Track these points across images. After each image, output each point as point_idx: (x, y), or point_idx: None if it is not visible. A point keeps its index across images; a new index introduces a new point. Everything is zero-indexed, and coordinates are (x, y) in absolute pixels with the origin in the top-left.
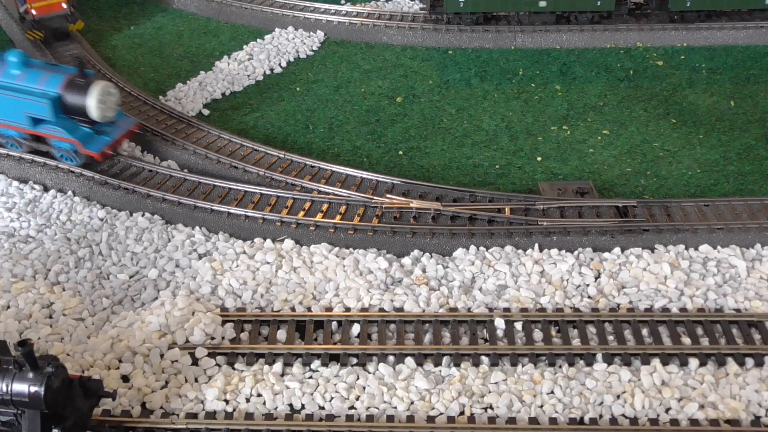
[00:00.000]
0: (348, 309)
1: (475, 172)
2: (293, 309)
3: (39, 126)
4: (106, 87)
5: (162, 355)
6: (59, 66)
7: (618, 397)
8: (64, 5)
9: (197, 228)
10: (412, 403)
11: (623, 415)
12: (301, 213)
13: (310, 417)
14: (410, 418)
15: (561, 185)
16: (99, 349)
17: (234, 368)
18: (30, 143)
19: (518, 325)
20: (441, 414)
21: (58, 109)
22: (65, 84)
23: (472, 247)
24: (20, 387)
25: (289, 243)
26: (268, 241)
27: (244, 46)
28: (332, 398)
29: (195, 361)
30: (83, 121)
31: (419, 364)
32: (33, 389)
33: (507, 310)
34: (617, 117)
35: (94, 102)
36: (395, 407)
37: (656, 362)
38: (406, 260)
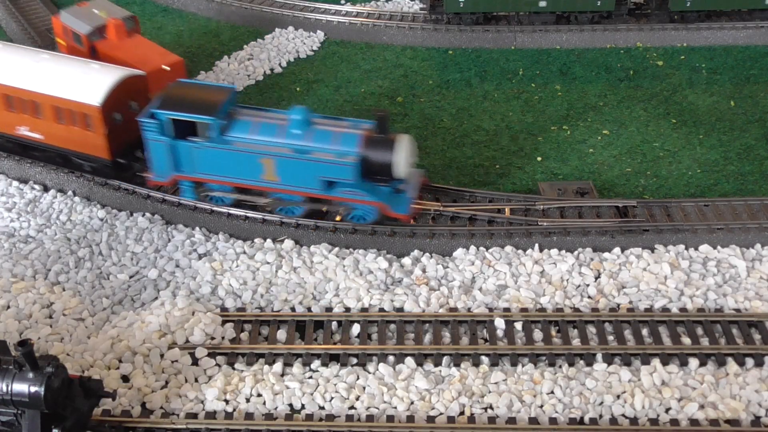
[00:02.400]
0: (348, 309)
1: (475, 172)
2: (293, 309)
3: (333, 190)
4: (410, 140)
5: (162, 355)
6: (343, 119)
7: (618, 397)
8: None
9: (197, 228)
10: (412, 403)
11: (623, 415)
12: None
13: (310, 417)
14: (410, 418)
15: (561, 185)
16: (99, 349)
17: (234, 368)
18: (305, 205)
19: (518, 325)
20: (441, 414)
21: (360, 171)
22: (365, 142)
23: (472, 248)
24: (20, 387)
25: (289, 243)
26: (268, 241)
27: (244, 46)
28: (332, 398)
29: (195, 361)
30: (380, 179)
31: (419, 364)
32: (33, 389)
33: (507, 310)
34: (617, 117)
35: (402, 159)
36: (395, 407)
37: (656, 362)
38: (406, 260)
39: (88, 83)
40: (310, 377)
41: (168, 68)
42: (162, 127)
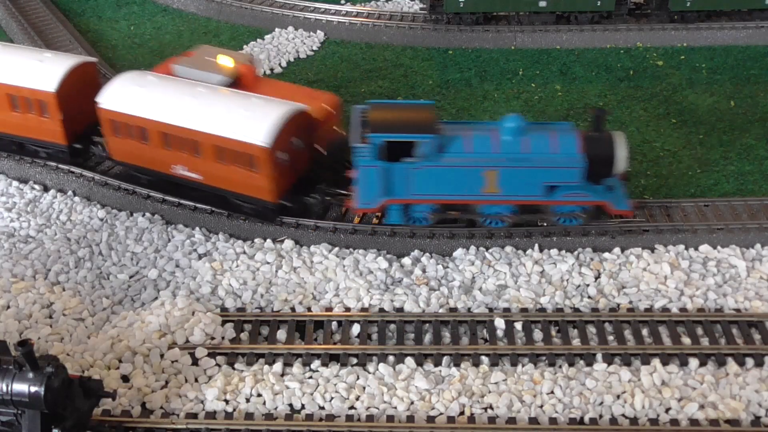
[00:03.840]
0: (348, 309)
1: None
2: (293, 309)
3: (554, 195)
4: (623, 135)
5: (162, 355)
6: (549, 124)
7: (618, 397)
8: None
9: (197, 228)
10: (412, 403)
11: (623, 415)
12: None
13: (310, 417)
14: (410, 418)
15: None
16: (99, 349)
17: (234, 368)
18: (514, 217)
19: (518, 325)
20: (441, 414)
21: (586, 171)
22: (585, 142)
23: (472, 248)
24: (20, 387)
25: (289, 243)
26: (268, 241)
27: (244, 46)
28: (332, 398)
29: (195, 361)
30: (599, 178)
31: (419, 364)
32: (33, 389)
33: (507, 310)
34: (617, 117)
35: (623, 154)
36: (395, 407)
37: (656, 362)
38: (406, 260)
39: (254, 121)
40: (310, 377)
41: (333, 110)
42: (376, 151)
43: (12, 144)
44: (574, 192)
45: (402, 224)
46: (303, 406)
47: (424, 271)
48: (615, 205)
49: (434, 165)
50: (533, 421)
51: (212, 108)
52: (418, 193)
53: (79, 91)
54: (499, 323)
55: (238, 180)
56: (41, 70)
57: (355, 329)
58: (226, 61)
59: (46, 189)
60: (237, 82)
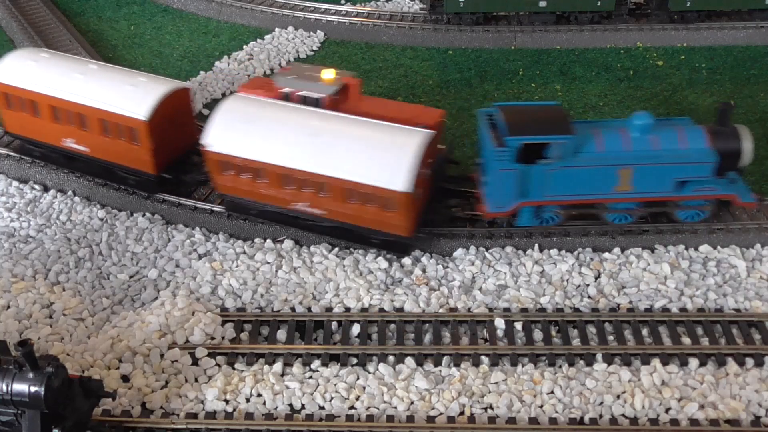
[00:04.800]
0: (348, 309)
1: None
2: (293, 309)
3: (684, 189)
4: (746, 128)
5: (162, 355)
6: (669, 119)
7: (618, 397)
8: None
9: (197, 228)
10: (412, 403)
11: (623, 415)
12: None
13: (310, 417)
14: (410, 418)
15: None
16: (99, 349)
17: (234, 368)
18: (641, 211)
19: (518, 325)
20: (441, 414)
21: (717, 166)
22: (712, 136)
23: (472, 248)
24: (20, 387)
25: (289, 243)
26: (268, 241)
27: (244, 46)
28: (332, 398)
29: (195, 361)
30: (725, 171)
31: (419, 364)
32: (33, 389)
33: (507, 310)
34: (617, 117)
35: (749, 147)
36: (395, 407)
37: (656, 362)
38: (406, 260)
39: (389, 167)
40: (310, 377)
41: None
42: (513, 154)
43: (101, 168)
44: (704, 186)
45: (532, 226)
46: (303, 406)
47: (424, 271)
48: (741, 197)
49: (571, 165)
50: (533, 421)
51: (339, 150)
52: (552, 194)
53: (171, 118)
54: (499, 323)
55: (372, 218)
56: (134, 96)
57: (355, 329)
58: (328, 74)
59: (46, 189)
60: (342, 93)
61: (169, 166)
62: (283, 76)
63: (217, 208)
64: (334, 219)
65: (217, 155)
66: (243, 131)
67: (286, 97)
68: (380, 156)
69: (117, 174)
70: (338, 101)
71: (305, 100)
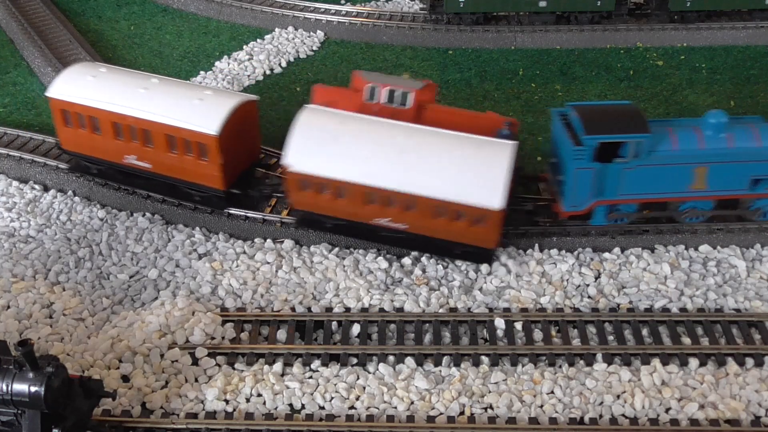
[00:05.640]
0: (348, 309)
1: None
2: (293, 309)
3: (758, 187)
4: None
5: (162, 355)
6: (741, 118)
7: (618, 397)
8: None
9: (197, 228)
10: (412, 403)
11: (623, 415)
12: None
13: (310, 417)
14: (410, 418)
15: None
16: (99, 349)
17: (234, 368)
18: (711, 212)
19: (518, 325)
20: (441, 414)
21: None
22: None
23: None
24: (20, 387)
25: (289, 243)
26: (268, 241)
27: (244, 46)
28: (332, 398)
29: (195, 361)
30: None
31: (419, 364)
32: (33, 389)
33: (507, 310)
34: None
35: None
36: (395, 407)
37: (656, 362)
38: (406, 260)
39: (483, 185)
40: (310, 377)
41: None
42: (590, 153)
43: (164, 185)
44: None
45: (604, 225)
46: (303, 406)
47: (424, 271)
48: None
49: (648, 164)
50: (533, 421)
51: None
52: (627, 193)
53: (239, 132)
54: (499, 323)
55: (460, 232)
56: (203, 110)
57: (355, 329)
58: (410, 80)
59: (46, 189)
60: (428, 94)
61: (237, 181)
62: (372, 76)
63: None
64: (417, 233)
65: (298, 175)
66: (325, 150)
67: (373, 91)
68: (473, 173)
69: (181, 190)
70: (426, 95)
71: (392, 95)
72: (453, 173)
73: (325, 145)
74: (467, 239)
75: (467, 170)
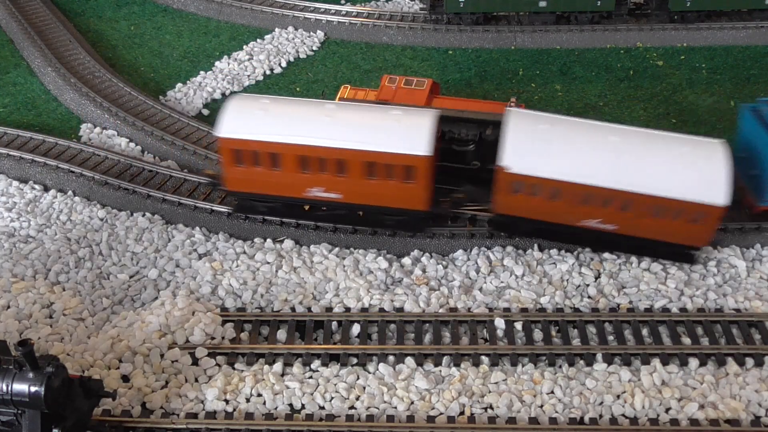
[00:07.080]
0: (348, 309)
1: None
2: (293, 309)
3: None
4: None
5: (162, 355)
6: None
7: (618, 397)
8: None
9: (197, 228)
10: (412, 403)
11: (623, 415)
12: None
13: (310, 417)
14: (410, 418)
15: None
16: (99, 349)
17: (234, 368)
18: None
19: (518, 325)
20: (441, 414)
21: None
22: None
23: (473, 248)
24: (20, 387)
25: (289, 243)
26: (268, 241)
27: (244, 46)
28: (332, 398)
29: (195, 361)
30: None
31: (419, 364)
32: (33, 389)
33: (507, 310)
34: (617, 117)
35: None
36: (395, 407)
37: (656, 362)
38: (406, 260)
39: (706, 180)
40: (310, 377)
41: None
42: None
43: (349, 216)
44: None
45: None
46: (303, 406)
47: (424, 271)
48: None
49: None
50: (533, 421)
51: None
52: None
53: (437, 148)
54: (499, 323)
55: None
56: (404, 133)
57: (355, 329)
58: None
59: (46, 189)
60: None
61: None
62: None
63: (217, 207)
64: (627, 233)
65: (516, 177)
66: (541, 150)
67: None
68: (696, 171)
69: (372, 218)
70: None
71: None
72: (676, 171)
73: (540, 146)
74: (678, 238)
75: (689, 168)
